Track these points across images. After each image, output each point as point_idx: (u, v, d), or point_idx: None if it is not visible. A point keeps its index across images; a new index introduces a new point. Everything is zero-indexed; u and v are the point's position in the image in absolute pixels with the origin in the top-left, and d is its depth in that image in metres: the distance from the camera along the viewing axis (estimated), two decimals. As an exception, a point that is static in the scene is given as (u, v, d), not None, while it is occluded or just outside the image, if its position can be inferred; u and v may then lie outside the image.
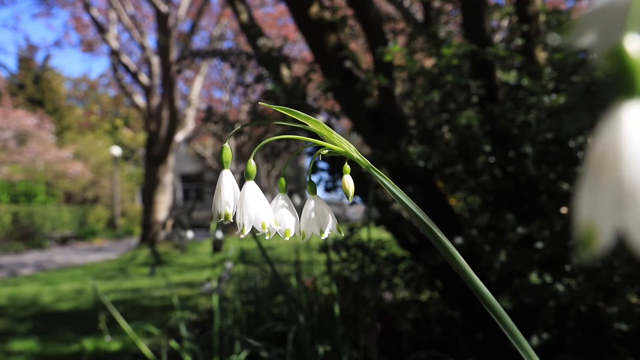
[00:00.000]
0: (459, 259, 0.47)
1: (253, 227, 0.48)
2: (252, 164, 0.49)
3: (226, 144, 0.49)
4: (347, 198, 0.51)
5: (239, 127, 0.52)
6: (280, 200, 0.51)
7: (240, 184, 0.50)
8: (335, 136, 0.48)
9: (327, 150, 0.49)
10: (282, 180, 0.52)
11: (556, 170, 2.22)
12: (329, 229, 0.51)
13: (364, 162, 0.48)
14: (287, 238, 0.49)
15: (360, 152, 0.50)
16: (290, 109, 0.46)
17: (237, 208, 0.48)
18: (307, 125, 0.48)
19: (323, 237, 0.50)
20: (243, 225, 0.47)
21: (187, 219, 2.11)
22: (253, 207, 0.47)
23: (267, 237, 0.49)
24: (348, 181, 0.51)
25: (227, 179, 0.49)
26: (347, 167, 0.51)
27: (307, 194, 0.52)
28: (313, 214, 0.51)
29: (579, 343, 2.01)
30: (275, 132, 3.26)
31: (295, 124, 0.49)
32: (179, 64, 10.24)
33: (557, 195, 2.21)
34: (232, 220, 0.48)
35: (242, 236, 0.47)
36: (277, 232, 0.49)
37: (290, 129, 0.51)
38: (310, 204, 0.51)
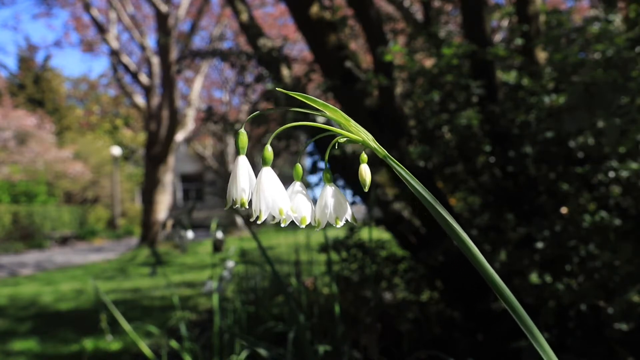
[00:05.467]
0: (473, 247, 0.46)
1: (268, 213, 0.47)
2: (269, 150, 0.48)
3: (242, 129, 0.48)
4: (364, 187, 0.49)
5: (253, 114, 0.51)
6: (297, 187, 0.50)
7: None
8: (353, 125, 0.47)
9: (344, 139, 0.48)
10: (298, 167, 0.50)
11: (556, 170, 2.22)
12: (345, 218, 0.50)
13: (382, 151, 0.47)
14: (303, 226, 0.48)
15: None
16: (309, 96, 0.46)
17: (253, 194, 0.47)
18: (325, 113, 0.47)
19: (339, 226, 0.49)
20: (260, 211, 0.46)
21: (188, 218, 2.12)
22: (270, 194, 0.46)
23: (282, 224, 0.47)
24: (365, 170, 0.49)
25: (243, 164, 0.48)
26: (364, 156, 0.50)
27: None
28: (331, 202, 0.49)
29: (579, 343, 2.01)
30: (277, 130, 3.25)
31: (313, 111, 0.47)
32: (179, 64, 10.24)
33: (557, 195, 2.21)
34: (247, 207, 0.47)
35: (258, 222, 0.46)
36: (292, 220, 0.48)
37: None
38: (327, 191, 0.50)
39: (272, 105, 3.00)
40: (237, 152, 0.48)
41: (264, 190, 0.47)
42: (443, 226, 0.47)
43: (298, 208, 0.49)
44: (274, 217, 0.47)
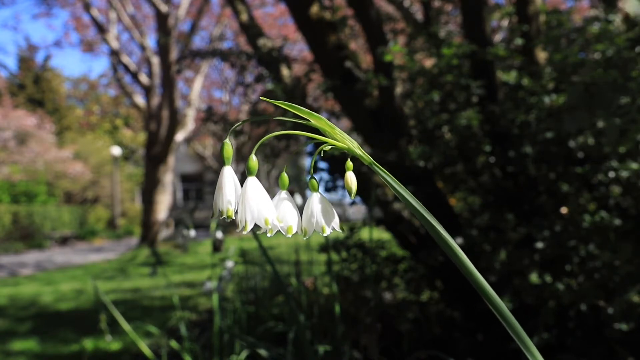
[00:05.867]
0: (462, 256, 0.46)
1: (255, 223, 0.47)
2: (253, 160, 0.48)
3: (227, 140, 0.48)
4: (350, 195, 0.49)
5: (241, 122, 0.51)
6: (283, 196, 0.50)
7: (241, 184, 0.49)
8: (338, 132, 0.48)
9: (329, 147, 0.48)
10: (284, 176, 0.51)
11: (556, 170, 2.22)
12: (332, 226, 0.50)
13: (367, 158, 0.47)
14: (290, 235, 0.48)
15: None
16: (293, 105, 0.46)
17: (238, 204, 0.47)
18: (310, 121, 0.48)
19: (325, 234, 0.49)
20: (245, 221, 0.46)
21: (190, 218, 2.12)
22: (255, 203, 0.46)
23: (268, 234, 0.47)
24: (351, 178, 0.50)
25: (229, 175, 0.48)
26: (349, 163, 0.50)
27: (309, 192, 0.51)
28: (317, 210, 0.50)
29: (579, 343, 2.01)
30: (277, 131, 3.25)
31: (298, 120, 0.48)
32: (179, 64, 10.24)
33: (557, 195, 2.21)
34: (233, 218, 0.47)
35: (244, 232, 0.46)
36: (279, 230, 0.48)
37: (292, 126, 0.50)
38: (313, 200, 0.50)
39: (272, 106, 3.00)
40: (223, 163, 0.48)
41: (249, 200, 0.46)
42: (430, 232, 0.47)
43: (284, 217, 0.48)
44: (260, 227, 0.47)
